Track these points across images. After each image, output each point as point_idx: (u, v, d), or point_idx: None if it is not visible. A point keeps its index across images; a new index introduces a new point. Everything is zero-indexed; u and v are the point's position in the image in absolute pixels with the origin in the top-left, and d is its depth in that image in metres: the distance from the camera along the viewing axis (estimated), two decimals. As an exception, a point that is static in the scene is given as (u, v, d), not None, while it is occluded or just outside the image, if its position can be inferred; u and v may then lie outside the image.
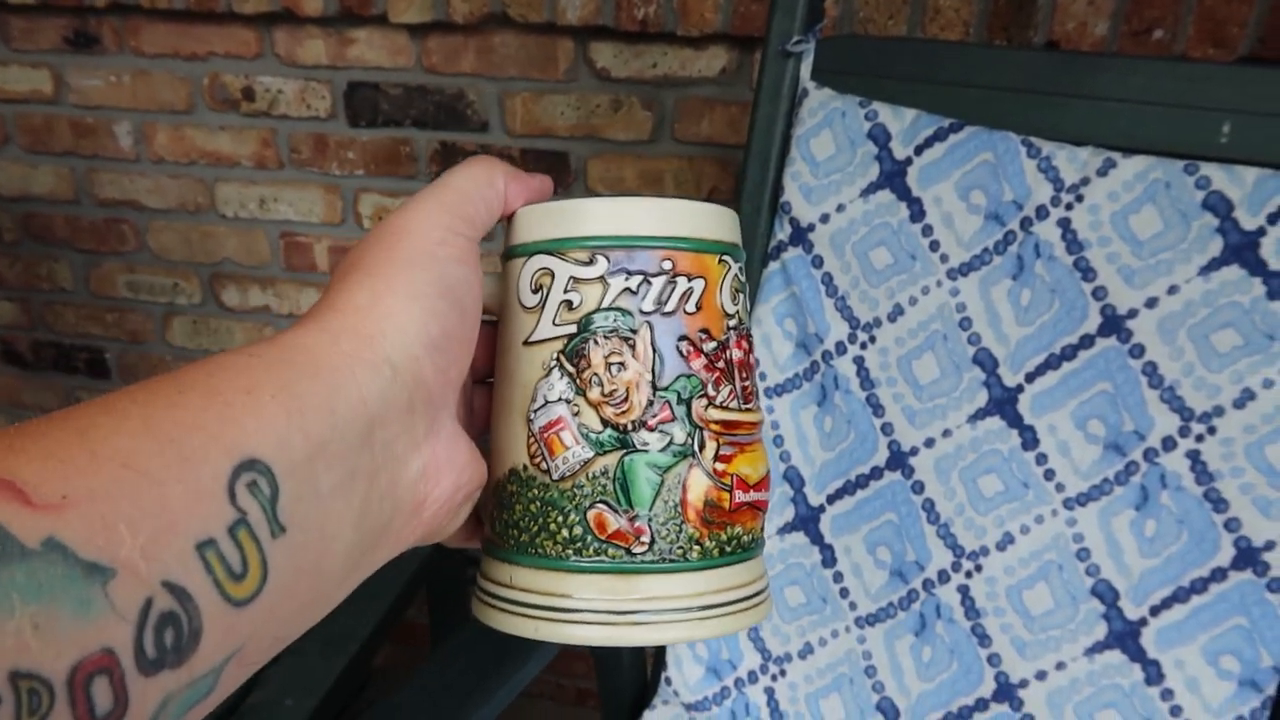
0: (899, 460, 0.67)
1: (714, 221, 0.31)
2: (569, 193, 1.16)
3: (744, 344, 0.31)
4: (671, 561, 0.29)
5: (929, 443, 0.66)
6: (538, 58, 1.10)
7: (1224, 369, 0.58)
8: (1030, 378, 0.63)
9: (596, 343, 0.29)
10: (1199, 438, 0.59)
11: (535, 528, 0.29)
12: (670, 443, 0.29)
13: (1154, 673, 0.60)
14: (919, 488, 0.67)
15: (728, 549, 0.30)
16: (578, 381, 0.29)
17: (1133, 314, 0.60)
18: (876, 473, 0.68)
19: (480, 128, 1.15)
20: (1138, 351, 0.60)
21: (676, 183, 1.11)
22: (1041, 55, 0.64)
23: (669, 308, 0.29)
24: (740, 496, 0.30)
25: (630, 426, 0.29)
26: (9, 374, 1.50)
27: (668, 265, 0.30)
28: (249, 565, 0.21)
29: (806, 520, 0.71)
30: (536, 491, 0.29)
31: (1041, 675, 0.63)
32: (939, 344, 0.66)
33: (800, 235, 0.70)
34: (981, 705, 0.65)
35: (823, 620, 0.71)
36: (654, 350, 0.29)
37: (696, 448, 0.29)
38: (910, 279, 0.66)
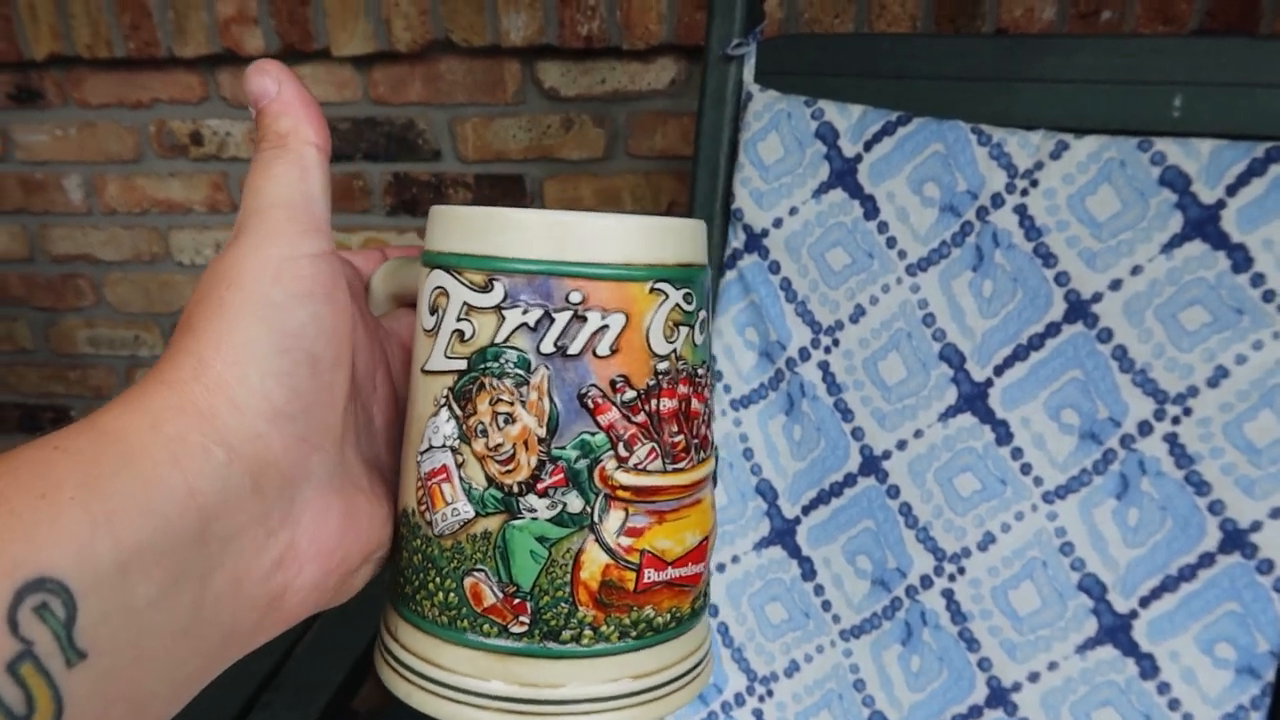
0: (872, 465, 0.65)
1: (645, 240, 0.25)
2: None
3: (681, 389, 0.26)
4: (559, 645, 0.24)
5: (901, 445, 0.64)
6: (485, 81, 1.08)
7: (1195, 347, 0.56)
8: (999, 371, 0.61)
9: (484, 386, 0.24)
10: (1175, 420, 0.57)
11: (416, 582, 0.26)
12: (563, 511, 0.24)
13: (1149, 666, 0.58)
14: (894, 492, 0.64)
15: (632, 634, 0.25)
16: (464, 427, 0.25)
17: (1097, 298, 0.58)
18: (850, 479, 0.66)
19: (433, 156, 1.13)
20: (1106, 336, 0.58)
21: (634, 199, 1.10)
22: (986, 41, 0.62)
23: (573, 350, 0.24)
24: (652, 576, 0.25)
25: (516, 489, 0.24)
26: (-27, 440, 1.47)
27: (576, 298, 0.24)
28: (36, 704, 0.17)
29: (783, 534, 0.69)
30: (419, 544, 0.25)
31: (1034, 677, 0.61)
32: (904, 342, 0.64)
33: (755, 242, 0.68)
34: (975, 712, 0.63)
35: (806, 636, 0.68)
36: (550, 401, 0.24)
37: (596, 518, 0.24)
38: (869, 278, 0.64)
